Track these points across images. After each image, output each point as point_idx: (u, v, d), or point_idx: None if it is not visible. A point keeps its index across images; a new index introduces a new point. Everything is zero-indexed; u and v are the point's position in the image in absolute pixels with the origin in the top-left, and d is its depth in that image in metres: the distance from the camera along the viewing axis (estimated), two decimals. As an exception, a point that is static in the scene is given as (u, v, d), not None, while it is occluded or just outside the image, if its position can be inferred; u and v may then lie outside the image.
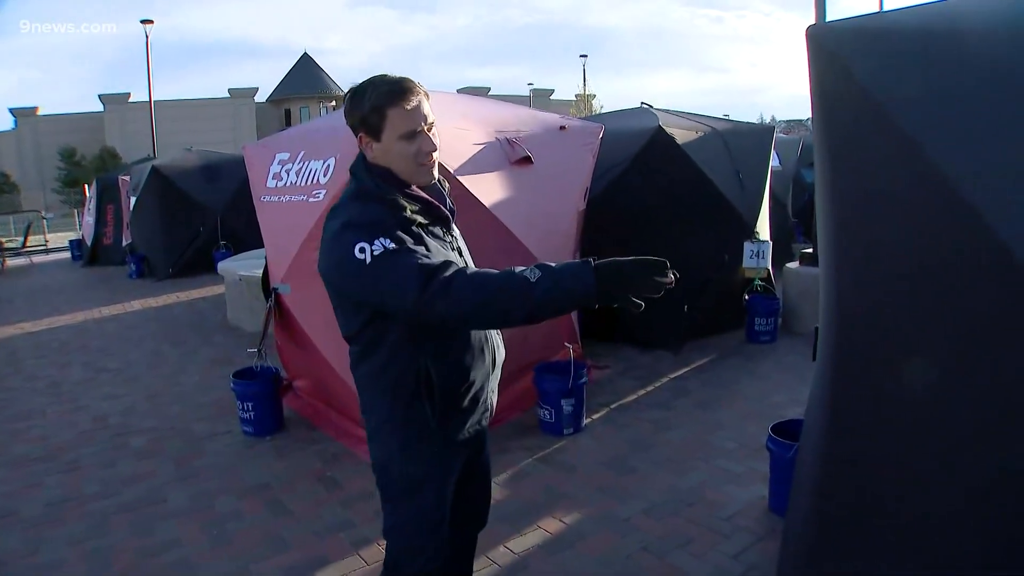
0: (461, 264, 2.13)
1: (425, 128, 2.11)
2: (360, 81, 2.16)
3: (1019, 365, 1.83)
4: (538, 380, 5.11)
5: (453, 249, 2.23)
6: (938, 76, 2.11)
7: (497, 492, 2.53)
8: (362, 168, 2.16)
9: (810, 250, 7.79)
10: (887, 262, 2.17)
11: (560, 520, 3.89)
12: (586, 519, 3.91)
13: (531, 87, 47.67)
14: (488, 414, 2.37)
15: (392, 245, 1.94)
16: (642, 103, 8.43)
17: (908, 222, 2.10)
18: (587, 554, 3.57)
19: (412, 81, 2.10)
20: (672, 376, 6.26)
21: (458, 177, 4.72)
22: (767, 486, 3.99)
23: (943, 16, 2.33)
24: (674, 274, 1.91)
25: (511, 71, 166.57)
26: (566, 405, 5.00)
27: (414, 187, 2.14)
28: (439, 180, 2.26)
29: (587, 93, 44.33)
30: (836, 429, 2.34)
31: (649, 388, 5.98)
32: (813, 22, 2.48)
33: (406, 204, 2.08)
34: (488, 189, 5.03)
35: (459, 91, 17.42)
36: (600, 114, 12.01)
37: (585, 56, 69.10)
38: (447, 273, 1.90)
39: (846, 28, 2.37)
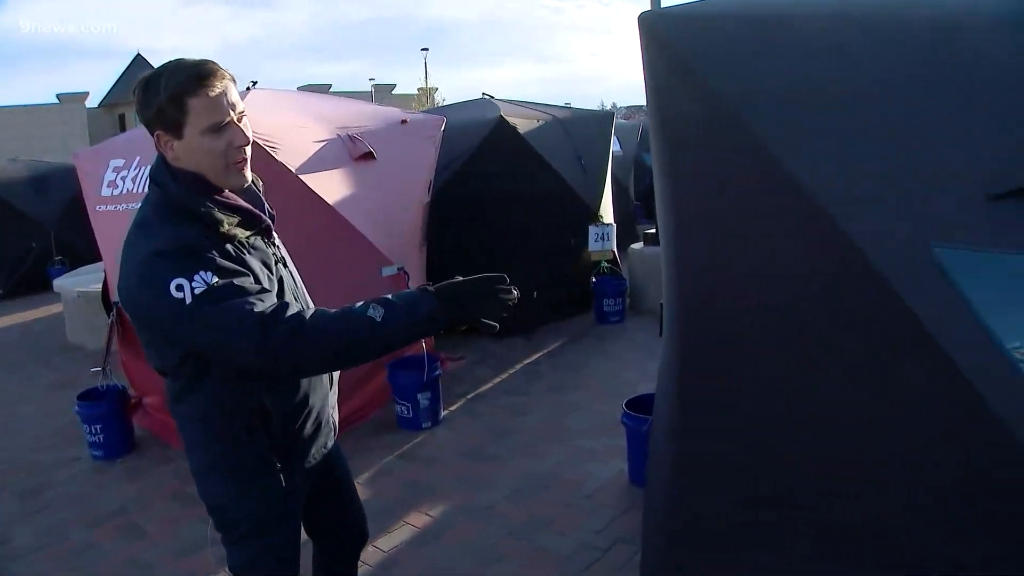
0: (291, 286, 1.97)
1: (234, 118, 1.80)
2: (152, 69, 1.83)
3: (851, 349, 1.96)
4: (392, 376, 5.08)
5: (277, 262, 1.97)
6: (770, 62, 2.16)
7: (360, 492, 2.47)
8: (165, 173, 1.81)
9: (653, 230, 8.13)
10: (722, 247, 2.23)
11: (425, 514, 3.89)
12: (450, 510, 3.93)
13: (373, 82, 46.95)
14: (333, 433, 2.19)
15: (215, 280, 1.67)
16: (483, 94, 8.52)
17: (742, 207, 2.16)
18: (454, 544, 3.59)
19: (214, 63, 1.79)
20: (526, 362, 6.37)
21: (300, 176, 4.64)
22: (625, 461, 4.14)
23: (775, 2, 2.41)
24: (514, 288, 1.88)
25: (352, 66, 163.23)
26: (422, 399, 4.99)
27: (228, 193, 1.86)
28: (254, 180, 1.98)
29: (429, 86, 44.21)
30: (684, 401, 2.42)
31: (504, 375, 6.07)
32: (648, 9, 2.47)
33: (222, 218, 1.78)
34: (331, 187, 4.95)
35: (300, 89, 16.96)
36: (442, 106, 11.99)
37: (426, 49, 69.05)
38: (286, 318, 1.69)
39: (678, 15, 2.36)
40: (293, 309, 1.72)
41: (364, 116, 5.92)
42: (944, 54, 2.11)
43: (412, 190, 5.85)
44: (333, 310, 1.81)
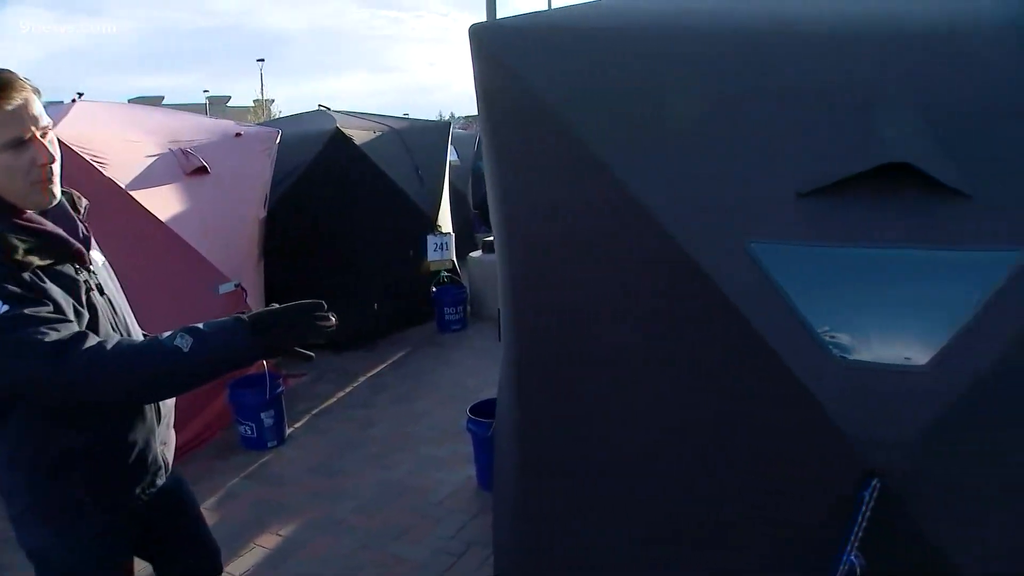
0: (108, 315, 1.85)
1: (36, 133, 1.65)
2: None
3: (675, 340, 2.10)
4: (233, 396, 4.98)
5: (90, 289, 1.80)
6: (598, 73, 2.24)
7: (207, 518, 2.42)
8: None
9: (491, 238, 8.34)
10: (551, 251, 2.31)
11: (276, 534, 3.86)
12: (302, 527, 3.92)
13: (207, 94, 45.03)
14: (163, 471, 2.02)
15: (5, 309, 1.55)
16: (319, 106, 8.46)
17: (569, 213, 2.24)
18: (308, 560, 3.60)
19: (11, 73, 1.64)
20: (370, 374, 6.41)
21: (130, 192, 4.48)
22: (473, 466, 4.29)
23: (602, 14, 2.48)
24: (332, 315, 1.84)
25: (185, 78, 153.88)
26: (266, 418, 4.93)
27: (31, 215, 1.70)
28: (73, 198, 1.86)
29: (265, 98, 42.87)
30: (523, 404, 2.53)
31: (348, 389, 6.07)
32: (479, 21, 2.52)
33: (17, 243, 1.63)
34: (163, 203, 4.79)
35: (131, 101, 16.04)
36: (278, 119, 11.73)
37: (262, 60, 66.64)
38: (83, 349, 1.58)
39: (508, 26, 2.42)
40: (92, 340, 1.62)
41: (197, 129, 5.77)
42: (758, 63, 2.24)
43: (247, 205, 5.76)
44: (140, 340, 1.74)
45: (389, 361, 6.73)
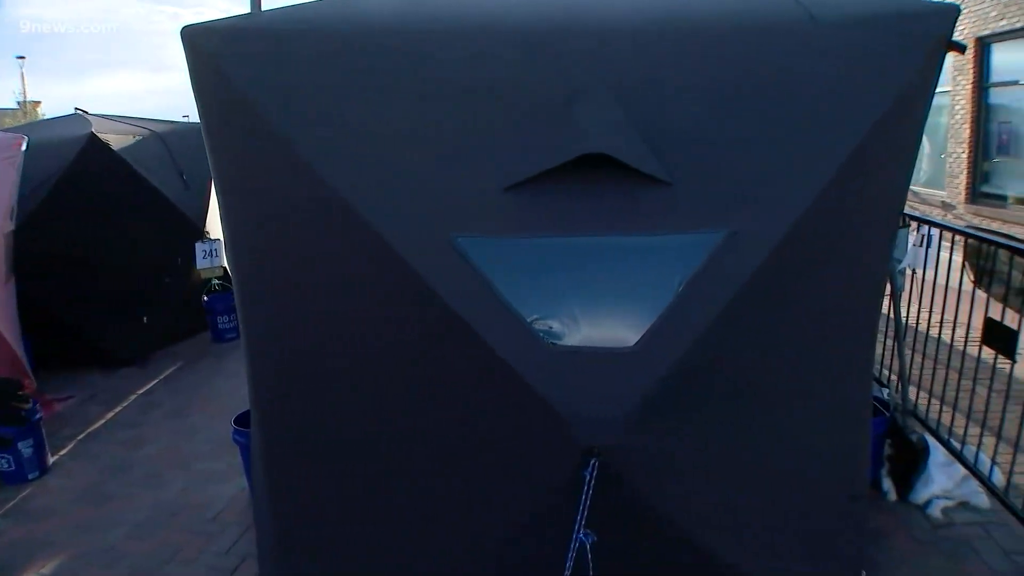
0: None
1: None
2: None
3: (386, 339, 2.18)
4: (-13, 427, 4.69)
5: None
6: (304, 73, 2.28)
7: None
8: None
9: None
10: (267, 250, 2.38)
11: (39, 573, 3.74)
12: (69, 561, 3.81)
13: None
14: None
15: None
16: (76, 109, 7.97)
17: (282, 211, 2.29)
18: (74, 595, 3.53)
19: None
20: (141, 392, 6.22)
21: None
22: (246, 478, 4.34)
23: (316, 15, 2.51)
24: (30, 395, 1.76)
25: None
26: (24, 448, 4.68)
27: None
28: None
29: (29, 100, 38.54)
30: (259, 408, 2.62)
31: (118, 409, 5.86)
32: (191, 23, 2.47)
33: None
34: None
35: None
36: (29, 123, 10.76)
37: (23, 57, 59.50)
38: None
39: (221, 28, 2.42)
40: None
41: (-77, 141, 5.30)
42: (465, 60, 2.32)
43: (-10, 219, 5.40)
44: None
45: (162, 376, 6.55)
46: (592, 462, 1.96)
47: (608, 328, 2.08)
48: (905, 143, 2.51)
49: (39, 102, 40.19)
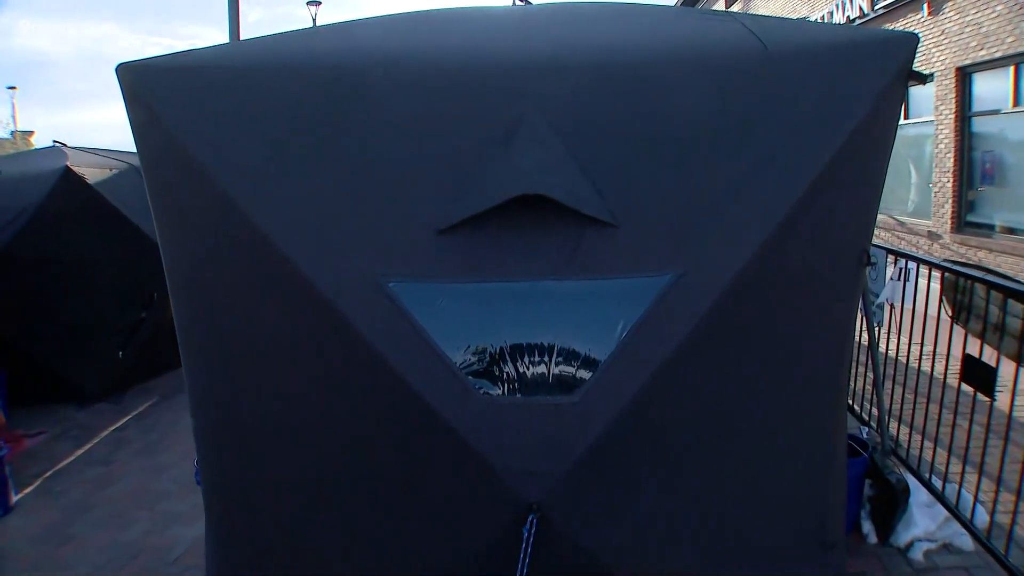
0: None
1: None
2: None
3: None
4: (-52, 466, 4.59)
5: None
6: (235, 112, 2.24)
7: None
8: None
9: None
10: (208, 297, 2.34)
11: (-13, 617, 3.62)
12: (20, 606, 3.71)
13: None
14: None
15: None
16: (55, 142, 7.94)
17: (213, 255, 2.26)
18: (21, 644, 3.41)
19: None
20: (112, 428, 6.09)
21: None
22: (211, 518, 4.23)
23: (251, 53, 2.49)
24: None
25: None
26: (-13, 486, 4.59)
27: None
28: None
29: (20, 130, 38.75)
30: (201, 437, 2.57)
31: (88, 446, 5.74)
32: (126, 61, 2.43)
33: None
34: None
35: None
36: (4, 156, 10.75)
37: (15, 88, 59.81)
38: None
39: (154, 67, 2.41)
40: None
41: None
42: (401, 97, 2.25)
43: (-42, 255, 5.32)
44: None
45: (136, 412, 6.44)
46: (531, 518, 1.90)
47: (548, 378, 2.00)
48: (868, 176, 2.44)
49: (32, 132, 40.37)
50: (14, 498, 4.82)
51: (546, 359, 2.00)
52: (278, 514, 2.39)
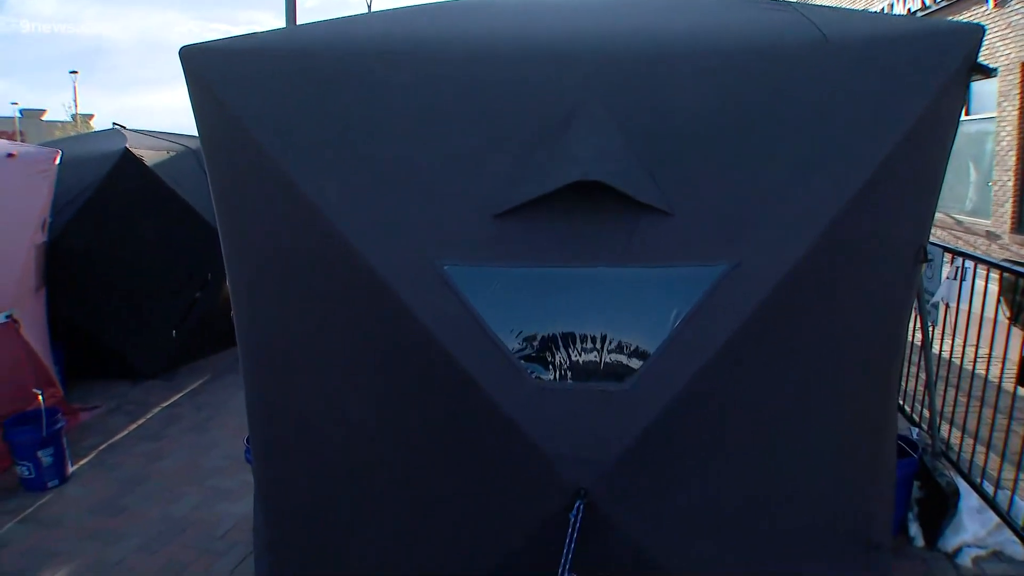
0: None
1: None
2: None
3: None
4: (8, 435, 4.75)
5: None
6: (297, 95, 2.25)
7: None
8: None
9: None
10: (266, 280, 2.38)
11: (45, 582, 3.75)
12: (75, 573, 3.82)
13: (17, 106, 40.96)
14: None
15: None
16: (114, 124, 8.12)
17: (275, 238, 2.28)
18: (76, 609, 3.52)
19: None
20: (164, 405, 6.26)
21: None
22: (256, 496, 4.32)
23: (316, 37, 2.50)
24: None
25: None
26: (45, 456, 4.74)
27: None
28: None
29: (81, 113, 39.82)
30: (256, 427, 2.61)
31: (141, 421, 5.90)
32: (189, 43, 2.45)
33: None
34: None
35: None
36: (64, 139, 11.06)
37: (76, 72, 61.10)
38: None
39: (218, 49, 2.43)
40: None
41: (-37, 151, 5.43)
42: (458, 84, 2.26)
43: (21, 230, 5.49)
44: None
45: (187, 389, 6.59)
46: (578, 504, 1.90)
47: (600, 365, 2.00)
48: (927, 171, 2.38)
49: (92, 115, 41.40)
50: (71, 468, 4.98)
51: (598, 346, 2.00)
52: (327, 494, 2.43)
